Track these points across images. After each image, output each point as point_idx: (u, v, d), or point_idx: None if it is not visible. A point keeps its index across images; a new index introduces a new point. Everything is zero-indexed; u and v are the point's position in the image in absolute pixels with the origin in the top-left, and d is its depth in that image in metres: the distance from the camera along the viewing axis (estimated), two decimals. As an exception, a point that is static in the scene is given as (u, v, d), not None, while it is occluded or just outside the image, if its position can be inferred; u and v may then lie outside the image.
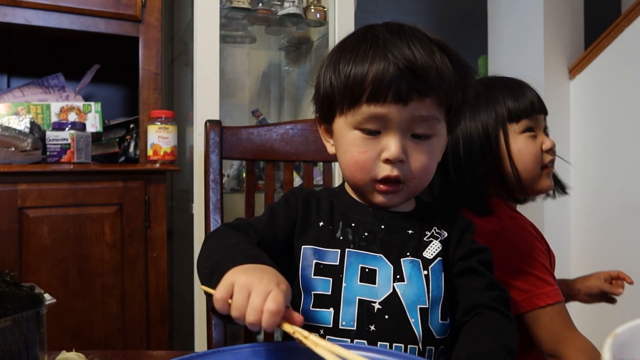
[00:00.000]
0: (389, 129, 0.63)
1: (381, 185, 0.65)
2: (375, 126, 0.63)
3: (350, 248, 0.66)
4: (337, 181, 1.56)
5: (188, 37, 1.73)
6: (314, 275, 0.65)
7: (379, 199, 0.67)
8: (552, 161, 0.92)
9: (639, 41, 2.18)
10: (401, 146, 0.63)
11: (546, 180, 0.91)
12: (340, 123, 0.67)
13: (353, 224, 0.68)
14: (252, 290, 0.49)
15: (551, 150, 0.91)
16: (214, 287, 0.52)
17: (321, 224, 0.68)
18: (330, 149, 0.73)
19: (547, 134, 0.93)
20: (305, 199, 0.71)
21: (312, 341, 0.46)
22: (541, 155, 0.90)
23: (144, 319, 1.50)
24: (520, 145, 0.89)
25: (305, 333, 0.47)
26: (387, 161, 0.63)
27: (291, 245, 0.68)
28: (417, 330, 0.63)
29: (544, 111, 0.92)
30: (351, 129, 0.65)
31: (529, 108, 0.90)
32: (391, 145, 0.63)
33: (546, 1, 2.46)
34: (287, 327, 0.49)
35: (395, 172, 0.64)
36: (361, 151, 0.65)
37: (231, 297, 0.49)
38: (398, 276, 0.64)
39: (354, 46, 0.66)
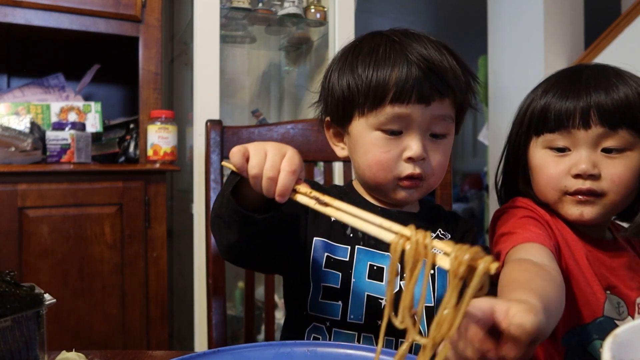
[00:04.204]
0: (411, 128, 0.65)
1: (405, 182, 0.66)
2: (398, 126, 0.65)
3: (360, 245, 0.67)
4: (337, 181, 1.56)
5: (188, 37, 1.73)
6: (325, 267, 0.66)
7: (401, 194, 0.68)
8: (583, 190, 0.70)
9: (639, 41, 2.18)
10: (422, 145, 0.65)
11: (570, 208, 0.72)
12: (360, 125, 0.67)
13: None
14: (267, 152, 0.52)
15: (582, 176, 0.70)
16: (231, 183, 0.54)
17: (333, 218, 0.69)
18: (340, 152, 0.74)
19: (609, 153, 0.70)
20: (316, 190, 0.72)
21: (329, 201, 0.48)
22: (564, 179, 0.72)
23: (144, 319, 1.50)
24: (538, 162, 0.74)
25: (320, 194, 0.49)
26: (409, 160, 0.65)
27: (299, 230, 0.68)
28: (423, 327, 0.65)
29: (586, 125, 0.69)
30: (372, 129, 0.66)
31: (554, 121, 0.71)
32: (414, 144, 0.64)
33: (546, 1, 2.46)
34: (302, 188, 0.51)
35: (417, 170, 0.65)
36: (383, 151, 0.66)
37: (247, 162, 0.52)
38: (405, 275, 0.65)
39: (371, 49, 0.67)
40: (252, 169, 0.51)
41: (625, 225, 0.81)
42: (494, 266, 0.34)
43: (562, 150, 0.72)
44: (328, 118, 0.73)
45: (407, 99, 0.63)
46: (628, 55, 2.23)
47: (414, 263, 0.39)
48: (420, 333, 0.64)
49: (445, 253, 0.37)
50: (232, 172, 0.56)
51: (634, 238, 0.80)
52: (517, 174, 0.80)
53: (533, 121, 0.75)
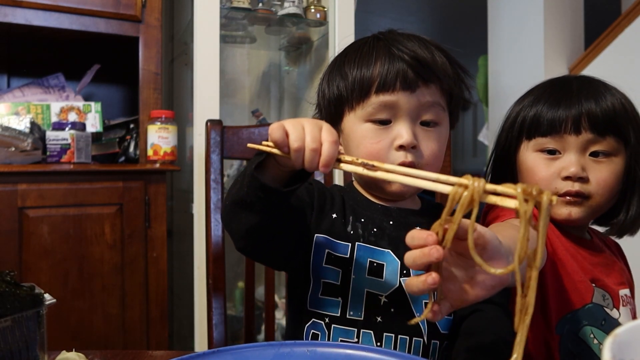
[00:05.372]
0: (399, 116, 0.66)
1: None
2: (385, 115, 0.66)
3: (360, 242, 0.67)
4: (337, 181, 1.56)
5: (188, 37, 1.73)
6: (325, 263, 0.66)
7: (395, 186, 0.68)
8: (572, 192, 0.74)
9: (639, 41, 2.18)
10: (412, 132, 0.65)
11: (559, 208, 0.75)
12: (350, 119, 0.69)
13: (362, 220, 0.69)
14: (304, 125, 0.52)
15: (572, 178, 0.74)
16: (253, 163, 0.55)
17: (334, 215, 0.70)
18: None
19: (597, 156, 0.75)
20: (320, 189, 0.73)
21: (378, 164, 0.48)
22: (555, 181, 0.75)
23: (144, 319, 1.50)
24: (529, 165, 0.78)
25: (367, 160, 0.50)
26: (400, 148, 0.65)
27: (305, 224, 0.68)
28: (422, 324, 0.65)
29: (577, 131, 0.74)
30: (362, 122, 0.67)
31: (546, 126, 0.75)
32: (403, 132, 0.65)
33: (546, 1, 2.46)
34: (347, 157, 0.51)
35: (409, 158, 0.65)
36: (374, 142, 0.66)
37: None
38: (405, 271, 0.66)
39: (356, 50, 0.70)
40: (295, 142, 0.51)
41: (598, 228, 0.86)
42: (554, 198, 0.39)
43: (552, 152, 0.76)
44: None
45: (391, 87, 0.64)
46: (628, 55, 2.23)
47: (468, 204, 0.42)
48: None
49: (507, 196, 0.41)
50: (257, 152, 0.56)
51: (617, 237, 0.84)
52: (505, 176, 0.83)
53: (525, 126, 0.78)
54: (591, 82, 0.79)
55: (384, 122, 0.66)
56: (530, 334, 0.75)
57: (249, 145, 0.58)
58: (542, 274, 0.73)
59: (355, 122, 0.68)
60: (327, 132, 0.52)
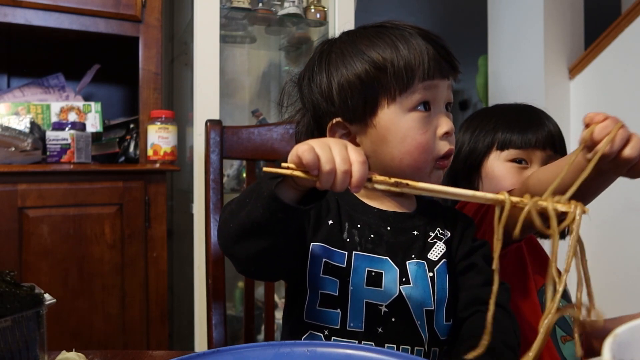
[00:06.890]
0: (437, 104, 0.66)
1: (441, 161, 0.67)
2: (429, 104, 0.65)
3: (357, 251, 0.65)
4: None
5: (188, 37, 1.73)
6: (323, 273, 0.64)
7: (436, 175, 0.68)
8: None
9: (639, 41, 2.18)
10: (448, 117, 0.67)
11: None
12: (391, 112, 0.64)
13: (359, 225, 0.67)
14: (331, 146, 0.50)
15: None
16: (271, 185, 0.52)
17: (330, 222, 0.67)
18: None
19: None
20: None
21: (411, 183, 0.49)
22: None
23: (144, 319, 1.50)
24: (499, 173, 0.90)
25: (399, 179, 0.50)
26: (445, 136, 0.65)
27: (304, 237, 0.67)
28: (424, 332, 0.63)
29: (544, 147, 0.88)
30: (406, 112, 0.64)
31: (521, 143, 0.89)
32: (444, 119, 0.66)
33: (546, 1, 2.46)
34: (378, 176, 0.50)
35: (452, 146, 0.67)
36: (421, 132, 0.64)
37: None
38: (404, 279, 0.64)
39: (373, 36, 0.66)
40: (326, 164, 0.49)
41: None
42: (587, 209, 0.46)
43: (520, 162, 0.89)
44: (337, 119, 0.67)
45: (432, 75, 0.64)
46: (628, 55, 2.23)
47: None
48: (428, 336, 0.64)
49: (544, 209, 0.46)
50: (272, 176, 0.53)
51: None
52: (464, 178, 0.95)
53: (498, 143, 0.91)
54: (540, 110, 0.94)
55: (427, 111, 0.65)
56: (521, 303, 0.85)
57: (265, 169, 0.54)
58: (522, 250, 0.87)
59: (397, 114, 0.64)
60: (354, 151, 0.50)
